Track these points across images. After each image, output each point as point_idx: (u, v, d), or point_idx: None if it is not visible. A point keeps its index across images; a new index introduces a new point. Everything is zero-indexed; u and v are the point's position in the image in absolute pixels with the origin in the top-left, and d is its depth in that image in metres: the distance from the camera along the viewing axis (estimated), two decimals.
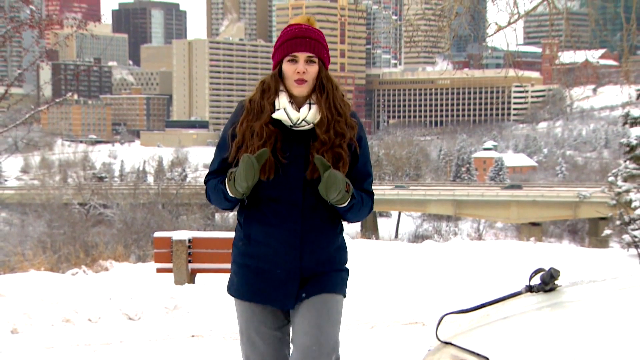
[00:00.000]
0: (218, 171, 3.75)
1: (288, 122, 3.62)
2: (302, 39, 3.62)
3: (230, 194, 3.58)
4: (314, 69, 3.63)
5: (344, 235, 3.92)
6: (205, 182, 3.84)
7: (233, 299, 3.87)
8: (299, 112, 3.62)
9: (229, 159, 3.70)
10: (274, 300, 3.68)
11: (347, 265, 3.86)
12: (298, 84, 3.61)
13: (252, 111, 3.67)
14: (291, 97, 3.64)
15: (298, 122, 3.62)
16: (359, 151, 3.73)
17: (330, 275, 3.73)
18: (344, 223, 3.85)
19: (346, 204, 3.56)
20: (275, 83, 3.67)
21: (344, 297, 3.80)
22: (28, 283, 11.82)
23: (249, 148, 3.58)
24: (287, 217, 3.63)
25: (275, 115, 3.60)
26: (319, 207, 3.65)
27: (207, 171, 3.91)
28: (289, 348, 3.78)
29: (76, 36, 14.68)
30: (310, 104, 3.64)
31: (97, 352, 8.50)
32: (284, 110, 3.60)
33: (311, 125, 3.64)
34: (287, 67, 3.62)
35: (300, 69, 3.58)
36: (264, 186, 3.59)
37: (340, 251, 3.80)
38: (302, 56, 3.60)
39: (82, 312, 10.37)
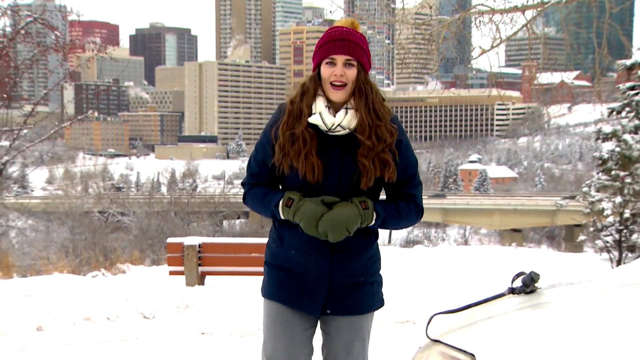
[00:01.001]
0: (257, 175, 3.49)
1: (323, 127, 3.31)
2: (341, 41, 3.29)
3: (282, 217, 3.34)
4: (352, 73, 3.28)
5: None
6: (245, 184, 3.54)
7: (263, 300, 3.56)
8: (334, 116, 3.30)
9: (271, 161, 3.39)
10: (301, 306, 3.38)
11: (380, 272, 3.53)
12: (335, 89, 3.29)
13: (292, 113, 3.35)
14: (329, 101, 3.33)
15: (333, 127, 3.30)
16: (399, 157, 3.37)
17: (359, 290, 3.40)
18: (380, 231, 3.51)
19: (373, 221, 3.31)
20: (314, 85, 3.35)
21: (377, 308, 3.48)
22: (52, 284, 11.81)
23: (292, 154, 3.28)
24: None
25: (310, 120, 3.30)
26: None
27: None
28: (311, 351, 3.51)
29: (97, 59, 14.71)
30: (347, 108, 3.31)
31: (115, 349, 8.50)
32: (319, 115, 3.29)
33: (347, 130, 3.31)
34: (325, 69, 3.30)
35: (337, 72, 3.26)
36: (300, 190, 3.32)
37: (371, 260, 3.45)
38: (340, 59, 3.27)
39: (101, 311, 10.37)
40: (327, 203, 3.24)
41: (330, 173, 3.31)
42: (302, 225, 3.24)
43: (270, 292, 3.45)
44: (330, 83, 3.28)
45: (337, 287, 3.35)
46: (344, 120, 3.29)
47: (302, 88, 3.40)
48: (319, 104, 3.31)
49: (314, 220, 3.21)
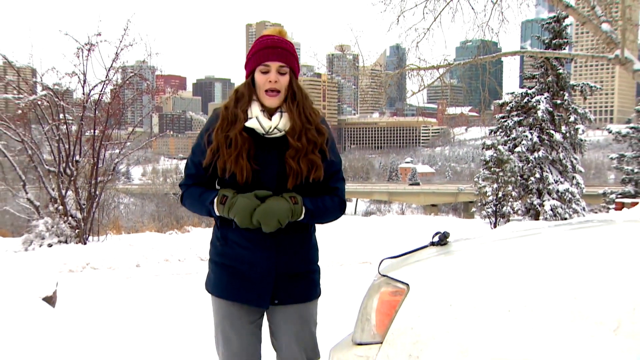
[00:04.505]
0: (194, 175, 2.40)
1: (260, 130, 2.29)
2: (274, 49, 2.28)
3: (218, 214, 2.31)
4: (285, 79, 2.30)
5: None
6: (182, 185, 2.45)
7: (210, 295, 2.45)
8: (270, 120, 2.29)
9: (203, 163, 2.35)
10: (250, 300, 2.33)
11: (318, 263, 2.49)
12: (269, 95, 2.29)
13: (226, 118, 2.32)
14: (263, 106, 2.31)
15: (270, 130, 2.29)
16: (329, 155, 2.37)
17: (302, 280, 2.38)
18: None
19: (303, 216, 2.29)
20: (248, 91, 2.32)
21: (318, 296, 2.46)
22: (145, 239, 11.78)
23: (225, 156, 2.28)
24: None
25: (248, 124, 2.28)
26: None
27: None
28: (261, 341, 2.45)
29: (172, 98, 14.78)
30: (281, 112, 2.31)
31: (184, 279, 8.49)
32: (256, 119, 2.28)
33: (282, 132, 2.30)
34: (259, 76, 2.29)
35: (272, 79, 2.27)
36: (239, 191, 2.28)
37: (312, 250, 2.44)
38: (274, 66, 2.27)
39: (175, 255, 10.36)
40: (260, 197, 2.26)
41: (268, 173, 2.30)
42: (237, 220, 2.25)
43: (217, 290, 2.39)
44: (265, 90, 2.30)
45: (282, 278, 2.33)
46: (280, 123, 2.30)
47: (235, 94, 2.38)
48: (255, 109, 2.30)
49: (248, 214, 2.23)
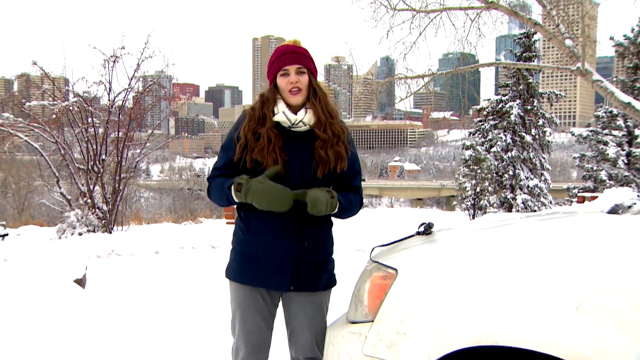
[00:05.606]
0: (222, 168, 2.29)
1: (287, 123, 2.22)
2: (290, 53, 2.23)
3: (237, 200, 2.18)
4: (305, 79, 2.24)
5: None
6: (210, 177, 2.32)
7: (229, 282, 2.33)
8: (296, 115, 2.23)
9: (234, 159, 2.24)
10: (269, 283, 2.23)
11: (333, 256, 2.39)
12: (293, 94, 2.23)
13: (253, 117, 2.24)
14: (288, 106, 2.24)
15: (296, 123, 2.21)
16: (349, 152, 2.30)
17: (319, 269, 2.28)
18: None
19: (336, 209, 2.21)
20: (272, 94, 2.26)
21: (332, 286, 2.37)
22: (163, 229, 11.79)
23: (256, 150, 2.19)
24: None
25: (275, 118, 2.22)
26: None
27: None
28: (272, 330, 2.34)
29: (187, 104, 14.82)
30: (306, 108, 2.24)
31: (197, 264, 8.51)
32: (282, 113, 2.22)
33: (307, 127, 2.24)
34: (281, 80, 2.24)
35: (292, 80, 2.21)
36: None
37: (329, 242, 2.35)
38: (292, 68, 2.22)
39: (189, 243, 10.36)
40: (270, 177, 2.14)
41: (294, 164, 2.21)
42: (255, 204, 2.12)
43: (237, 276, 2.27)
44: (288, 90, 2.24)
45: (300, 265, 2.23)
46: (306, 117, 2.23)
47: (261, 98, 2.30)
48: (281, 105, 2.24)
49: (266, 198, 2.10)
